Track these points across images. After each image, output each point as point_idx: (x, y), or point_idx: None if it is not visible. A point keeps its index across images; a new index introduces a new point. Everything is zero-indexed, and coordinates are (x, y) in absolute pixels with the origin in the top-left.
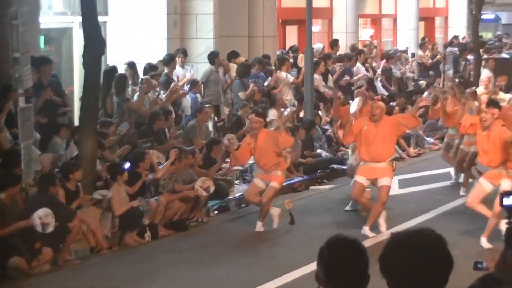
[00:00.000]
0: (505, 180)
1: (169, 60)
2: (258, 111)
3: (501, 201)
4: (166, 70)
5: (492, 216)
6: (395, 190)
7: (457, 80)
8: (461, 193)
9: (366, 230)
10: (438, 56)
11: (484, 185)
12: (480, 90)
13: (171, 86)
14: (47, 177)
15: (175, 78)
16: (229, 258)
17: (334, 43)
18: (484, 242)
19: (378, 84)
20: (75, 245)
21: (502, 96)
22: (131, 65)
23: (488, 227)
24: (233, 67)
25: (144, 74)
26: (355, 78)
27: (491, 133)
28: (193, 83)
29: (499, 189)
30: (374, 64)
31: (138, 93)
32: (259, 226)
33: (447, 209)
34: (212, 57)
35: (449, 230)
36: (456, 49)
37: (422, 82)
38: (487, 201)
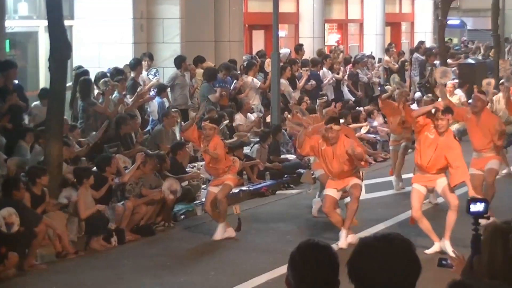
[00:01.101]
0: (440, 179)
1: (135, 65)
2: (213, 117)
3: (468, 208)
4: (132, 75)
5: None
6: (362, 195)
7: (401, 88)
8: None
9: (343, 233)
10: (404, 62)
11: (419, 189)
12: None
13: (138, 90)
14: (11, 181)
15: (141, 83)
16: (196, 263)
17: (299, 48)
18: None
19: (345, 89)
20: (41, 250)
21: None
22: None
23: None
24: (200, 72)
25: (111, 79)
26: (325, 82)
27: (441, 139)
28: (161, 88)
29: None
30: (340, 69)
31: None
32: (222, 229)
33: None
34: (179, 61)
35: (416, 235)
36: (423, 57)
37: (388, 87)
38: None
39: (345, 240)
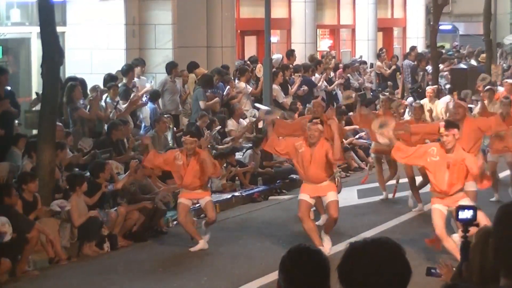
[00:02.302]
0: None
1: (127, 71)
2: (192, 132)
3: (457, 215)
4: (124, 81)
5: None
6: (354, 200)
7: (385, 94)
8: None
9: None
10: (394, 67)
11: (440, 209)
12: (424, 101)
13: (131, 96)
14: (3, 188)
15: (133, 89)
16: (188, 269)
17: (291, 54)
18: None
19: (338, 94)
20: (33, 256)
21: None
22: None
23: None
24: (192, 77)
25: (104, 85)
26: (317, 86)
27: (451, 156)
28: (154, 94)
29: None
30: (331, 75)
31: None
32: (203, 243)
33: (406, 218)
34: (170, 67)
35: (407, 240)
36: (413, 62)
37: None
38: None
39: (328, 243)
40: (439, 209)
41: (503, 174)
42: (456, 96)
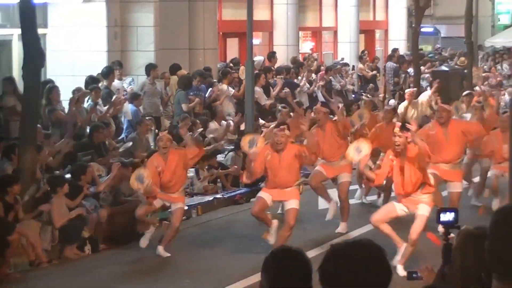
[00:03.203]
0: (422, 205)
1: (107, 73)
2: (170, 131)
3: (438, 218)
4: (105, 83)
5: (410, 245)
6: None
7: (366, 96)
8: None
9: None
10: (376, 73)
11: (396, 206)
12: (404, 104)
13: (114, 98)
14: None
15: (114, 91)
16: (171, 270)
17: (272, 56)
18: (400, 270)
19: (319, 96)
20: (14, 259)
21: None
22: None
23: (404, 255)
24: (175, 80)
25: (86, 87)
26: (298, 89)
27: (404, 159)
28: (135, 96)
29: (415, 215)
30: (313, 77)
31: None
32: (162, 250)
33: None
34: (148, 69)
35: (388, 242)
36: (395, 64)
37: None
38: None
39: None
40: (394, 206)
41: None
42: (440, 100)
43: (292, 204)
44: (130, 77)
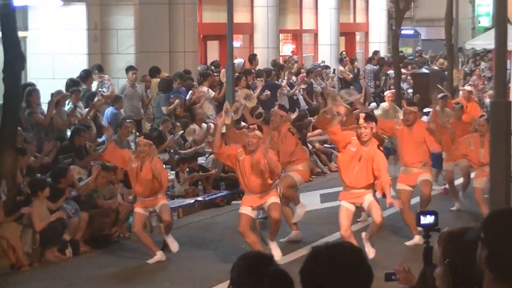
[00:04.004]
0: (368, 195)
1: (85, 76)
2: (148, 134)
3: (418, 221)
4: (84, 86)
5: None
6: (317, 204)
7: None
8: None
9: (273, 244)
10: (358, 72)
11: (347, 207)
12: (384, 105)
13: (95, 100)
14: None
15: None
16: (151, 273)
17: (253, 58)
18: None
19: (300, 98)
20: None
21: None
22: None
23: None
24: (155, 82)
25: (66, 90)
26: (279, 91)
27: (365, 150)
28: (115, 99)
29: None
30: (294, 79)
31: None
32: (161, 254)
33: (368, 222)
34: (127, 71)
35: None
36: (375, 66)
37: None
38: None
39: (276, 250)
40: (346, 208)
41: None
42: (406, 103)
43: (272, 199)
44: (106, 81)
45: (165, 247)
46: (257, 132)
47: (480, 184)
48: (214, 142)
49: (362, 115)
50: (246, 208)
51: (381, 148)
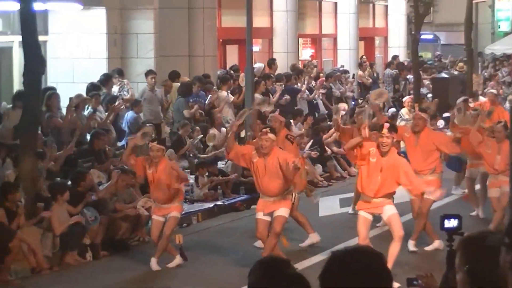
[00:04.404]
0: (388, 206)
1: (106, 80)
2: (160, 139)
3: (442, 224)
4: (104, 90)
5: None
6: (336, 209)
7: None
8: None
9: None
10: (378, 78)
11: (366, 216)
12: (403, 111)
13: (116, 103)
14: None
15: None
16: (171, 277)
17: (272, 62)
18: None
19: (320, 103)
20: (15, 266)
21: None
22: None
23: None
24: (176, 86)
25: (87, 94)
26: (298, 96)
27: (385, 160)
28: (135, 102)
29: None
30: (313, 84)
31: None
32: (155, 263)
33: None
34: (146, 75)
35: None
36: (394, 71)
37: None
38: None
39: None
40: (364, 217)
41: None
42: (418, 108)
43: (281, 212)
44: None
45: (184, 257)
46: (270, 135)
47: (495, 193)
48: (227, 143)
49: (387, 125)
50: (260, 214)
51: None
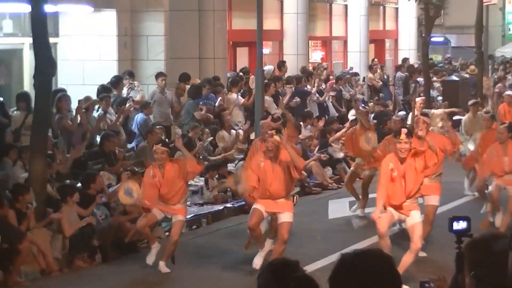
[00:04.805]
0: (414, 211)
1: (116, 82)
2: (164, 141)
3: (450, 226)
4: (114, 92)
5: (413, 253)
6: (345, 212)
7: (363, 107)
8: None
9: (256, 260)
10: (388, 80)
11: (392, 212)
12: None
13: (126, 106)
14: None
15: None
16: (180, 279)
17: (282, 65)
18: None
19: (330, 105)
20: (24, 267)
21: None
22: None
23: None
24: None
25: (97, 95)
26: (308, 98)
27: (404, 166)
28: (144, 104)
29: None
30: (323, 86)
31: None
32: (163, 266)
33: (396, 230)
34: (156, 77)
35: (399, 250)
36: (404, 74)
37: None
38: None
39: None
40: (391, 213)
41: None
42: (419, 112)
43: (286, 217)
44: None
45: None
46: (276, 137)
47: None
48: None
49: (404, 130)
50: (260, 206)
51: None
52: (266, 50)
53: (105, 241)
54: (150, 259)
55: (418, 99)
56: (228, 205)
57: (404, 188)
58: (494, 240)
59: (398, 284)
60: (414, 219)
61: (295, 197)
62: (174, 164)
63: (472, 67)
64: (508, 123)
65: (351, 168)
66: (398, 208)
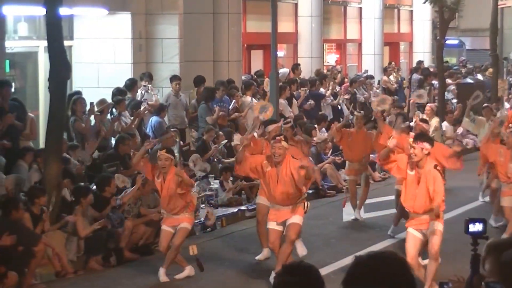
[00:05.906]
0: (436, 222)
1: (131, 85)
2: (169, 148)
3: (467, 228)
4: (129, 95)
5: (433, 260)
6: (361, 215)
7: (359, 112)
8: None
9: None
10: (403, 83)
11: (414, 234)
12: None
13: (141, 109)
14: (10, 201)
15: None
16: (194, 281)
17: (295, 67)
18: None
19: (344, 108)
20: (40, 270)
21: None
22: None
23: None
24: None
25: (112, 98)
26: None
27: (422, 172)
28: (160, 107)
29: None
30: (337, 89)
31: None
32: (163, 274)
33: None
34: (171, 80)
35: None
36: (420, 76)
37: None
38: None
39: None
40: (412, 234)
41: None
42: (417, 118)
43: (295, 219)
44: (157, 89)
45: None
46: (283, 143)
47: (509, 202)
48: (238, 156)
49: (412, 134)
50: (273, 223)
51: (438, 167)
52: (280, 53)
53: (120, 244)
54: (178, 275)
55: (427, 106)
56: (243, 208)
57: (417, 197)
58: (505, 249)
59: (412, 286)
60: (435, 227)
61: (306, 204)
62: (175, 177)
63: (490, 70)
64: None
65: (348, 178)
66: (415, 221)
